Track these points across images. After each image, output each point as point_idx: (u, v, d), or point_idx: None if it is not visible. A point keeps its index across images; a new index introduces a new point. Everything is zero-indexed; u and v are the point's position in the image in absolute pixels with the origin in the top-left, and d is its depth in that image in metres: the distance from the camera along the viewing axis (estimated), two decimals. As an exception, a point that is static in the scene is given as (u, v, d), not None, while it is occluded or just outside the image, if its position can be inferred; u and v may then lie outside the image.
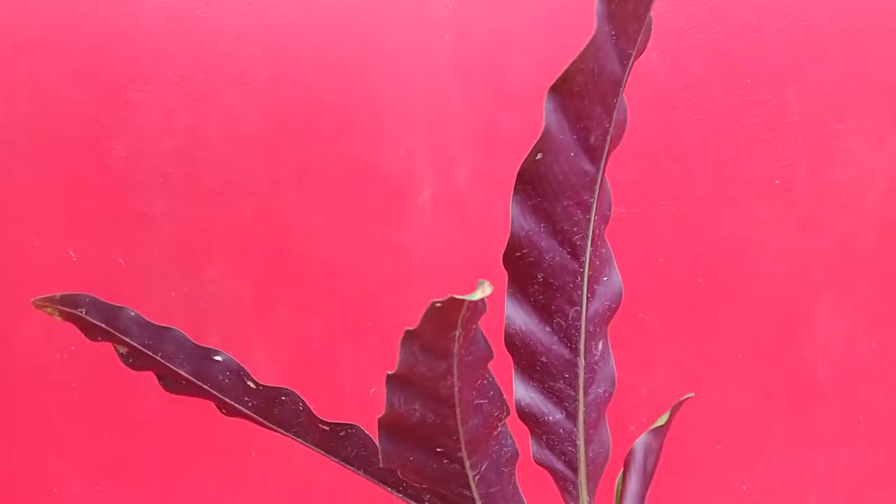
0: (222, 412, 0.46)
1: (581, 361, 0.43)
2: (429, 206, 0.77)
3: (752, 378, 0.76)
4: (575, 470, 0.44)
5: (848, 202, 0.72)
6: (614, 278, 0.44)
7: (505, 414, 0.40)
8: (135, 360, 0.45)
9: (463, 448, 0.38)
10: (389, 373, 0.35)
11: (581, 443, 0.44)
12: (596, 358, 0.44)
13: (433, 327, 0.32)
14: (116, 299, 0.83)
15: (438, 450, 0.38)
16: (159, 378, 0.46)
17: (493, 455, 0.41)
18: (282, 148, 0.78)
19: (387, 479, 0.47)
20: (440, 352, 0.33)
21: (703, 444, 0.79)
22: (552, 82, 0.36)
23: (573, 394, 0.43)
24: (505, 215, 0.77)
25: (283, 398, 0.45)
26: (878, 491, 0.77)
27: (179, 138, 0.79)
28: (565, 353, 0.43)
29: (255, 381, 0.45)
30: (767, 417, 0.77)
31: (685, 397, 0.50)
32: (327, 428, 0.46)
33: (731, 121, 0.72)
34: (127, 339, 0.44)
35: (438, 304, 0.31)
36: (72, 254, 0.82)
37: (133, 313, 0.45)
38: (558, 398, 0.43)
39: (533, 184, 0.41)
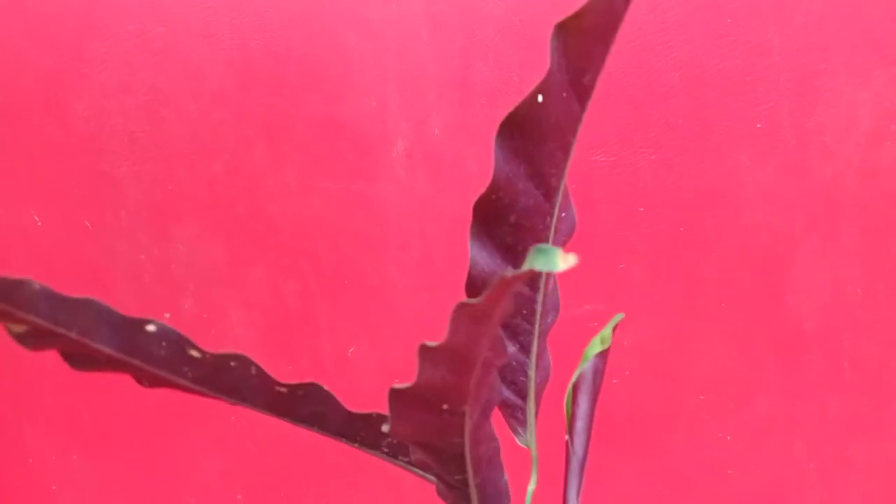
0: (143, 385, 0.41)
1: (540, 297, 0.44)
2: (402, 160, 0.75)
3: (735, 327, 0.75)
4: (524, 398, 0.46)
5: (832, 145, 0.70)
6: (571, 212, 0.44)
7: (501, 360, 0.38)
8: (37, 339, 0.37)
9: (468, 401, 0.37)
10: (429, 344, 0.32)
11: (532, 372, 0.45)
12: (549, 290, 0.45)
13: (493, 298, 0.31)
14: (84, 264, 0.81)
15: (444, 406, 0.38)
16: (65, 356, 0.40)
17: (484, 400, 0.40)
18: (249, 103, 0.76)
19: (346, 433, 0.45)
20: (486, 318, 0.32)
21: (687, 395, 0.78)
22: (561, 19, 0.34)
23: (529, 328, 0.45)
24: (482, 166, 0.75)
25: (233, 363, 0.42)
26: (864, 439, 0.77)
27: (143, 95, 0.76)
28: (526, 290, 0.44)
29: (198, 350, 0.41)
30: (752, 367, 0.76)
31: (618, 317, 0.52)
32: (285, 390, 0.43)
33: (711, 63, 0.70)
34: (31, 317, 0.35)
35: (509, 276, 0.29)
36: (36, 218, 0.79)
37: (38, 286, 0.35)
38: (514, 333, 0.45)
39: (523, 127, 0.40)
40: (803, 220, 0.72)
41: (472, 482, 0.42)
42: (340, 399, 0.80)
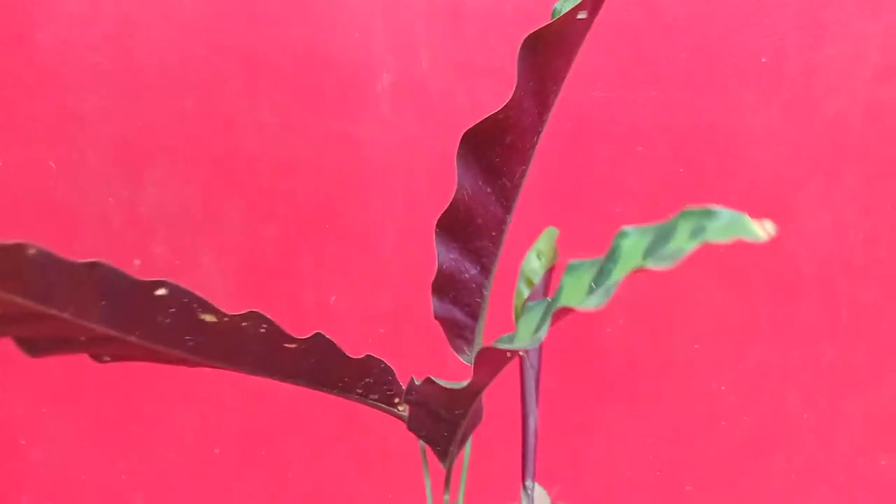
0: (105, 361, 0.36)
1: (509, 218, 0.45)
2: (388, 95, 0.70)
3: (731, 273, 0.73)
4: (476, 318, 0.47)
5: (838, 81, 0.67)
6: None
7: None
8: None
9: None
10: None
11: (487, 292, 0.46)
12: (514, 210, 0.46)
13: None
14: (47, 207, 0.76)
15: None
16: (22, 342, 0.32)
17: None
18: (224, 33, 0.71)
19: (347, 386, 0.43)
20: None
21: (681, 344, 0.75)
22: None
23: (494, 250, 0.45)
24: (472, 102, 0.71)
25: (244, 324, 0.38)
26: (859, 388, 0.75)
27: (110, 25, 0.71)
28: (500, 211, 0.44)
29: (214, 312, 0.37)
30: (747, 315, 0.74)
31: (552, 231, 0.53)
32: (294, 346, 0.40)
33: (716, -8, 0.66)
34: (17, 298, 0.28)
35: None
36: (-4, 157, 0.74)
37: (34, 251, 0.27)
38: (478, 255, 0.45)
39: (548, 44, 0.40)
40: (806, 161, 0.69)
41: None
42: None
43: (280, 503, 0.84)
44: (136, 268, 0.77)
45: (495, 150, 0.41)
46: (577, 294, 0.39)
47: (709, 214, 0.30)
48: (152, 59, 0.71)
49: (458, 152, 0.41)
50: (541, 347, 0.50)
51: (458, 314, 0.47)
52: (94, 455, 0.82)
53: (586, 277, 0.43)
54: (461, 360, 0.47)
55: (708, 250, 0.72)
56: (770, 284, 0.73)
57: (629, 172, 0.71)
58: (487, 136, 0.40)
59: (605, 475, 0.79)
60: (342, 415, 0.80)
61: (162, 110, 0.72)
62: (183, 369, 0.79)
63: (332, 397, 0.79)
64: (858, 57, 0.66)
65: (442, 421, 0.43)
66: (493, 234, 0.45)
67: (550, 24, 0.38)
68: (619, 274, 0.38)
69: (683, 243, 0.30)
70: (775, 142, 0.69)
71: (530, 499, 0.48)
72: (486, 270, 0.46)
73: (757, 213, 0.72)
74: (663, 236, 0.33)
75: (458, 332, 0.47)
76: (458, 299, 0.46)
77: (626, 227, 0.49)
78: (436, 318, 0.47)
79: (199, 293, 0.34)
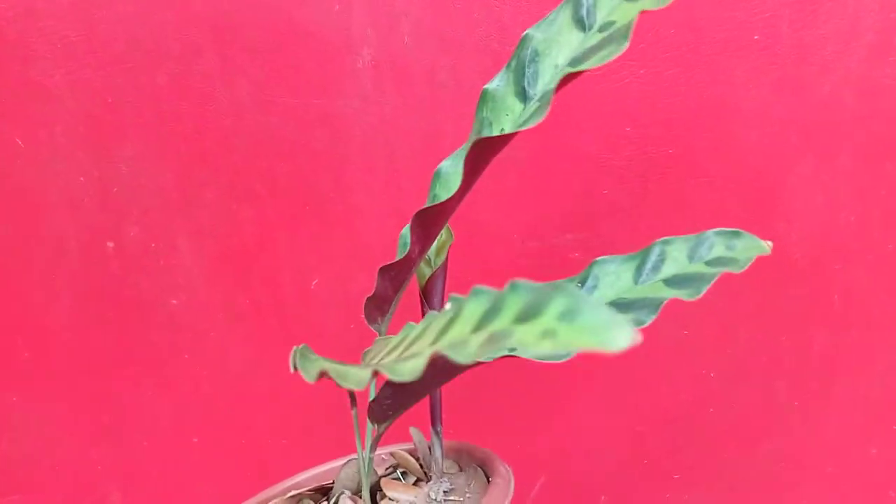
0: None
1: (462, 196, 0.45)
2: (369, 71, 0.68)
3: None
4: (397, 291, 0.49)
5: (831, 59, 0.65)
6: None
7: None
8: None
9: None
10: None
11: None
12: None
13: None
14: (14, 187, 0.73)
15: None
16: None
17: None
18: (198, 4, 0.68)
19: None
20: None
21: (669, 330, 0.74)
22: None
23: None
24: (457, 79, 0.69)
25: None
26: (850, 375, 0.74)
27: (77, -5, 0.68)
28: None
29: None
30: (736, 300, 0.72)
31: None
32: None
33: (708, -34, 0.64)
34: None
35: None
36: (-41, 133, 0.71)
37: None
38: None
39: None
40: (798, 141, 0.68)
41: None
42: (302, 338, 0.75)
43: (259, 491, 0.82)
44: (109, 250, 0.74)
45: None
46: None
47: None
48: (122, 31, 0.69)
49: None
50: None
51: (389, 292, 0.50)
52: (67, 444, 0.79)
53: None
54: (371, 328, 0.51)
55: (693, 231, 0.71)
56: (759, 268, 0.71)
57: (617, 152, 0.69)
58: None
59: (589, 463, 0.78)
60: (326, 403, 0.78)
61: (133, 86, 0.70)
62: (158, 355, 0.77)
63: (313, 391, 0.77)
64: (853, 35, 0.64)
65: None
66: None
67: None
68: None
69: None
70: (767, 121, 0.67)
71: (439, 437, 0.51)
72: (423, 252, 0.48)
73: (747, 195, 0.71)
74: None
75: (377, 305, 0.51)
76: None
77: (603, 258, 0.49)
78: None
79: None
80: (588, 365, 0.75)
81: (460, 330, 0.24)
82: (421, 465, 0.53)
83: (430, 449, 0.52)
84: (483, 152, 0.39)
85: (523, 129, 0.39)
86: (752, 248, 0.47)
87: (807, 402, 0.75)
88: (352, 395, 0.46)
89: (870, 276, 0.70)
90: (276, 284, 0.75)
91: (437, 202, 0.42)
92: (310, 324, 0.76)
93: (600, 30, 0.41)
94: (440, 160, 0.70)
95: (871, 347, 0.73)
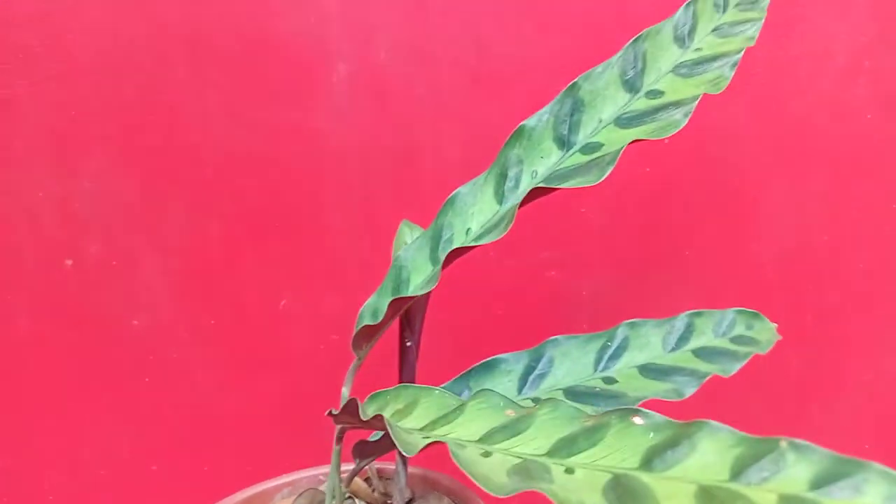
0: None
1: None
2: (344, 85, 0.67)
3: (697, 275, 0.71)
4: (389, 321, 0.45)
5: (804, 80, 0.66)
6: None
7: None
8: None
9: None
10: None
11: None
12: None
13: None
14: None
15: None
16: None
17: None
18: (167, 14, 0.66)
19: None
20: None
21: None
22: None
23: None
24: (434, 94, 0.68)
25: None
26: (826, 394, 0.74)
27: (40, 2, 0.66)
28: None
29: None
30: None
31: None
32: None
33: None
34: None
35: None
36: (-90, 144, 0.68)
37: None
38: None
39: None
40: (772, 162, 0.68)
41: None
42: (271, 360, 0.72)
43: (222, 523, 0.78)
44: (68, 268, 0.71)
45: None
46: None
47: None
48: (89, 41, 0.66)
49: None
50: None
51: None
52: (17, 473, 0.75)
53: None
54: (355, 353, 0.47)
55: (671, 252, 0.71)
56: (735, 287, 0.71)
57: (594, 171, 0.68)
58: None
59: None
60: (293, 429, 0.75)
61: (98, 98, 0.67)
62: (118, 378, 0.73)
63: (281, 415, 0.74)
64: (825, 57, 0.65)
65: None
66: None
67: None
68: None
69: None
70: (742, 141, 0.67)
71: (405, 464, 0.49)
72: None
73: (721, 214, 0.71)
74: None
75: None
76: None
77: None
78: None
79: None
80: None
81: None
82: (373, 492, 0.51)
83: (395, 476, 0.50)
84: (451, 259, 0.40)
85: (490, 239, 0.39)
86: (765, 329, 0.46)
87: (783, 423, 0.74)
88: (342, 433, 0.44)
89: (842, 295, 0.71)
90: (243, 304, 0.72)
91: (412, 294, 0.42)
92: (278, 345, 0.73)
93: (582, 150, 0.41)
94: (417, 176, 0.69)
95: (845, 368, 0.73)
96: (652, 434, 0.26)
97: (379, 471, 0.52)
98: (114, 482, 0.77)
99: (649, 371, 0.44)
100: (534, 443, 0.28)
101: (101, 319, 0.73)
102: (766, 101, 0.66)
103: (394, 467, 0.51)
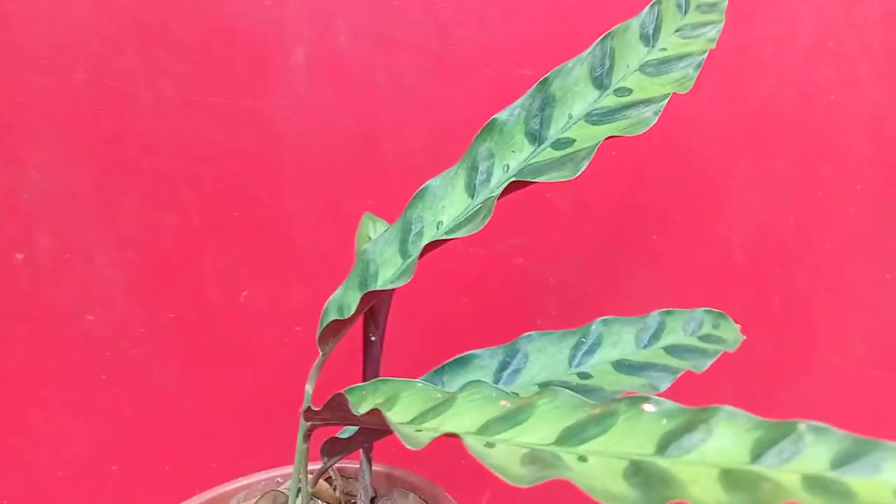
0: None
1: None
2: (302, 70, 0.65)
3: (665, 261, 0.70)
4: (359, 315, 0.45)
5: (768, 62, 0.65)
6: None
7: None
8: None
9: None
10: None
11: None
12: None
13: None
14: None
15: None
16: None
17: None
18: (117, -2, 0.64)
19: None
20: None
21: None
22: None
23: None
24: (394, 79, 0.66)
25: None
26: (791, 377, 0.74)
27: (-18, -15, 0.63)
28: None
29: None
30: (680, 303, 0.72)
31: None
32: None
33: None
34: None
35: None
36: None
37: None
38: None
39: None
40: (738, 144, 0.68)
41: None
42: (233, 353, 0.70)
43: (186, 522, 0.76)
44: (18, 262, 0.68)
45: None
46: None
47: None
48: (35, 26, 0.64)
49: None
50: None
51: None
52: (-31, 477, 0.72)
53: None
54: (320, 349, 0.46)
55: (639, 238, 0.70)
56: (703, 271, 0.71)
57: (560, 155, 0.67)
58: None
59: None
60: (256, 425, 0.74)
61: (46, 83, 0.65)
62: (74, 375, 0.71)
63: (244, 411, 0.72)
64: (789, 38, 0.65)
65: None
66: None
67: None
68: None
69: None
70: (707, 124, 0.67)
71: (369, 462, 0.48)
72: None
73: (687, 198, 0.70)
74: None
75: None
76: None
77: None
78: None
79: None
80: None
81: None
82: (335, 491, 0.50)
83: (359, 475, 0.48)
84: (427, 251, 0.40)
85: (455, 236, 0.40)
86: (731, 329, 0.48)
87: (750, 405, 0.74)
88: (310, 431, 0.42)
89: (809, 277, 0.71)
90: (202, 297, 0.70)
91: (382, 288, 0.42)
92: (240, 339, 0.71)
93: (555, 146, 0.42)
94: (379, 163, 0.67)
95: (812, 349, 0.73)
96: (665, 420, 0.26)
97: (340, 470, 0.51)
98: (72, 484, 0.75)
99: (623, 367, 0.44)
100: (538, 432, 0.28)
101: (55, 315, 0.70)
102: (730, 84, 0.66)
103: (355, 466, 0.49)
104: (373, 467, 0.48)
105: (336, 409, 0.34)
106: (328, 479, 0.51)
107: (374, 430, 0.40)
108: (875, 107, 0.66)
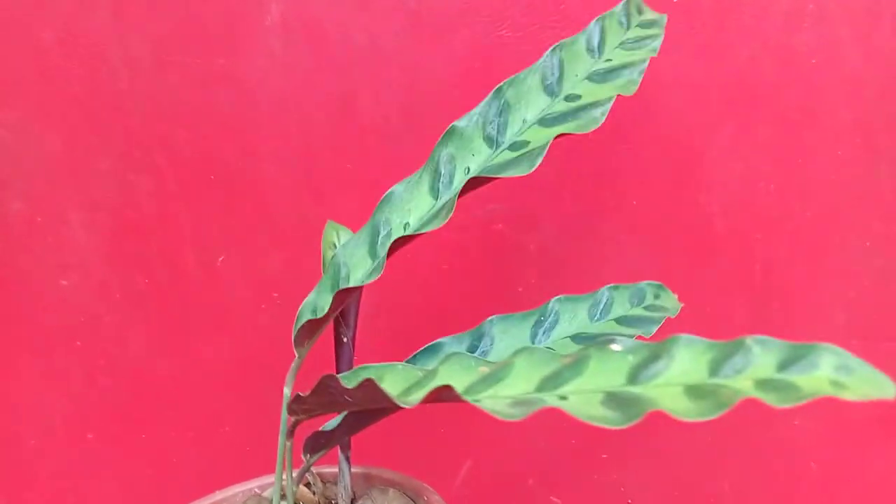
0: None
1: None
2: (278, 29, 0.64)
3: (644, 226, 0.70)
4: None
5: (749, 24, 0.65)
6: None
7: None
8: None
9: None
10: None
11: None
12: None
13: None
14: None
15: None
16: None
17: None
18: (87, -46, 0.62)
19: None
20: None
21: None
22: None
23: None
24: (372, 39, 0.65)
25: None
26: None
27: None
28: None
29: None
30: (660, 270, 0.71)
31: None
32: None
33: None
34: None
35: None
36: None
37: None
38: None
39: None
40: (718, 109, 0.67)
41: None
42: (209, 320, 0.70)
43: (164, 490, 0.76)
44: (-11, 228, 0.67)
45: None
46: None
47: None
48: (3, -17, 0.62)
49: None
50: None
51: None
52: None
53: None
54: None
55: (619, 203, 0.69)
56: (683, 239, 0.71)
57: (539, 119, 0.67)
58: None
59: (516, 446, 0.75)
60: (234, 392, 0.73)
61: (14, 42, 0.63)
62: (48, 342, 0.70)
63: (221, 378, 0.72)
64: (769, 0, 0.64)
65: None
66: None
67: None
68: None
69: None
70: (687, 88, 0.66)
71: (348, 462, 0.50)
72: None
73: (668, 164, 0.70)
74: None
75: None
76: None
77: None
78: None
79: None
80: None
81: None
82: (315, 496, 0.51)
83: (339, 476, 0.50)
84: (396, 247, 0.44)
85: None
86: (670, 298, 0.53)
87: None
88: (293, 426, 0.44)
89: (790, 245, 0.71)
90: (177, 262, 0.69)
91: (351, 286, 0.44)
92: (216, 305, 0.71)
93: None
94: (356, 124, 0.66)
95: (792, 317, 0.73)
96: (630, 357, 0.29)
97: (318, 474, 0.51)
98: (46, 453, 0.74)
99: (581, 339, 0.49)
100: (519, 385, 0.31)
101: (27, 280, 0.69)
102: (710, 48, 0.65)
103: (333, 470, 0.50)
104: (351, 469, 0.49)
105: (324, 393, 0.35)
106: (307, 485, 0.51)
107: (360, 416, 0.42)
108: (855, 71, 0.66)
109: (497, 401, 0.30)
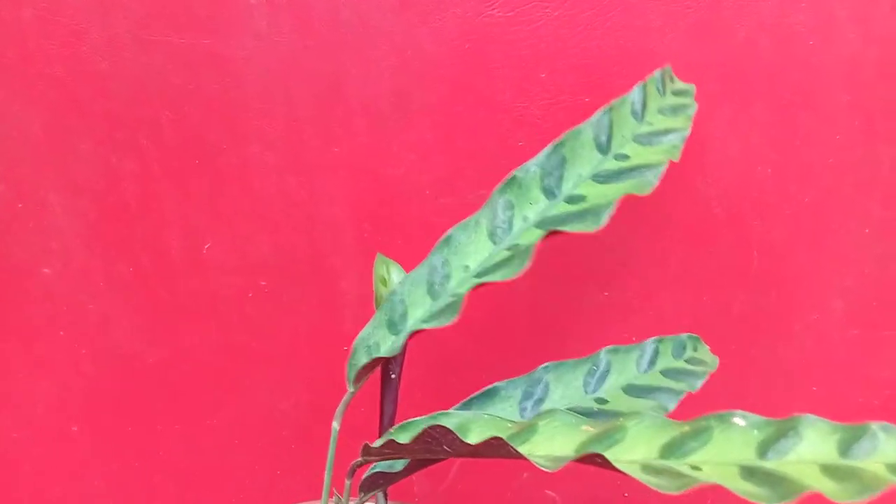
0: None
1: None
2: (264, 8, 0.62)
3: (641, 214, 0.68)
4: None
5: (745, 3, 0.64)
6: None
7: None
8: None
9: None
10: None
11: None
12: None
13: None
14: None
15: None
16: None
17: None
18: (68, -69, 0.61)
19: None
20: None
21: (589, 292, 0.71)
22: None
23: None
24: (360, 17, 0.64)
25: None
26: (770, 333, 0.72)
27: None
28: None
29: None
30: (656, 258, 0.70)
31: None
32: None
33: None
34: None
35: None
36: None
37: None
38: None
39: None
40: (715, 90, 0.66)
41: None
42: (196, 308, 0.68)
43: (151, 484, 0.74)
44: (-31, 214, 0.66)
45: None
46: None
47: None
48: (-19, -40, 0.61)
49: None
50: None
51: None
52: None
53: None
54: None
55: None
56: (680, 225, 0.69)
57: (531, 101, 0.65)
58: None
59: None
60: (224, 382, 0.71)
61: (-6, 22, 0.62)
62: (30, 331, 0.69)
63: (209, 369, 0.70)
64: (766, -23, 0.63)
65: None
66: None
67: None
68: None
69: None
70: (683, 67, 0.65)
71: (386, 499, 0.52)
72: None
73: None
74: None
75: None
76: None
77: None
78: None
79: None
80: (505, 336, 0.71)
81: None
82: None
83: None
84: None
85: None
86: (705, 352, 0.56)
87: (729, 361, 0.72)
88: (356, 467, 0.44)
89: (788, 229, 0.69)
90: (163, 248, 0.68)
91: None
92: (203, 292, 0.69)
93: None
94: (344, 106, 0.65)
95: (790, 306, 0.71)
96: (756, 431, 0.31)
97: None
98: (29, 446, 0.72)
99: (632, 390, 0.51)
100: (639, 449, 0.32)
101: (9, 268, 0.67)
102: (707, 28, 0.64)
103: None
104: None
105: (424, 441, 0.36)
106: None
107: (423, 461, 0.45)
108: (853, 53, 0.65)
109: (624, 465, 0.31)
